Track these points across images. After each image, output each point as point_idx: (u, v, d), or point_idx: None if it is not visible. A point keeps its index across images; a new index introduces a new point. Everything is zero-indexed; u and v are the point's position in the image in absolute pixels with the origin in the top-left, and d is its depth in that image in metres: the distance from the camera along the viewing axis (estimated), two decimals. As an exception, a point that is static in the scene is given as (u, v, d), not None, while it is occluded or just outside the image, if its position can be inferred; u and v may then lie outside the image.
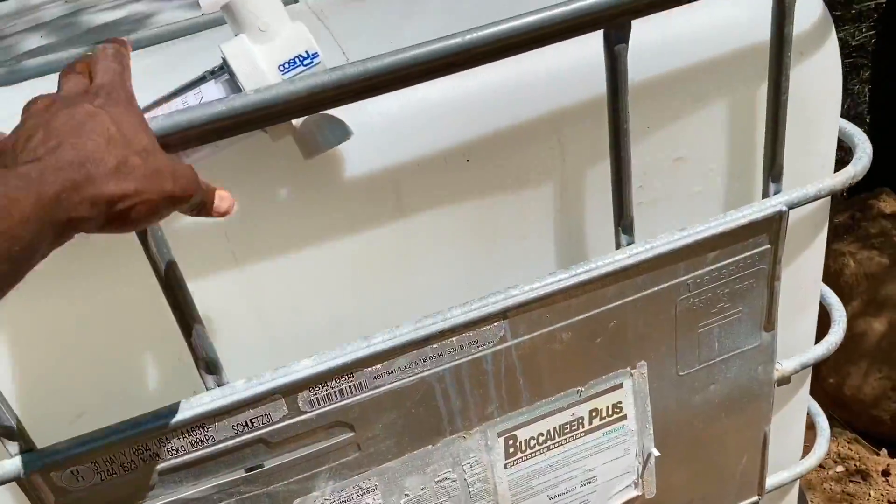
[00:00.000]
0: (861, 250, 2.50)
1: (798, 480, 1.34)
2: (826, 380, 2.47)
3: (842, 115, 1.00)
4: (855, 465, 2.19)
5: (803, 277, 1.07)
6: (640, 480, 1.08)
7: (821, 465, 2.23)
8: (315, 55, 0.69)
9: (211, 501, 0.86)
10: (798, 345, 1.11)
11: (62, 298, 0.77)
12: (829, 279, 2.53)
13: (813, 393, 2.46)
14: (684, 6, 0.76)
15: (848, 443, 2.29)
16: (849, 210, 2.69)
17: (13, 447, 0.76)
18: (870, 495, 2.07)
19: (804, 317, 1.11)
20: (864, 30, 4.62)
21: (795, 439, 1.25)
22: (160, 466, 0.82)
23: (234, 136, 0.69)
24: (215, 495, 0.86)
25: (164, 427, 0.79)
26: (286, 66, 0.68)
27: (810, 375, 1.20)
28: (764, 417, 1.10)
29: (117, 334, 0.81)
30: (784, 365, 1.07)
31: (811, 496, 2.11)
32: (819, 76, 0.92)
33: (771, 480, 1.20)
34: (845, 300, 2.49)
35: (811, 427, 1.35)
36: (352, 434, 0.88)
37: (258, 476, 0.86)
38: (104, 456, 0.79)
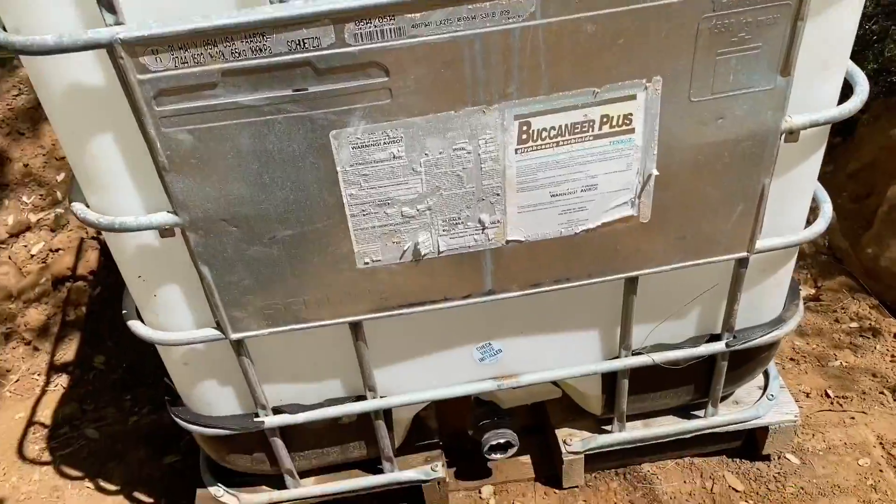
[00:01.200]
0: (933, 125, 2.46)
1: (792, 265, 1.43)
2: (864, 249, 2.50)
3: None
4: (870, 324, 2.25)
5: (831, 38, 1.12)
6: (637, 200, 1.19)
7: (836, 319, 2.31)
8: None
9: (262, 113, 1.01)
10: (817, 108, 1.17)
11: None
12: (886, 152, 2.52)
13: (849, 261, 2.49)
14: None
15: (870, 307, 2.34)
16: (934, 88, 2.63)
17: (109, 18, 0.92)
18: (875, 348, 2.14)
19: (828, 79, 1.16)
20: None
21: (797, 214, 1.33)
22: (223, 66, 0.97)
23: None
24: (266, 107, 1.01)
25: (230, 25, 0.93)
26: None
27: (822, 151, 1.27)
28: (765, 168, 1.19)
29: (202, -55, 0.93)
30: (794, 119, 1.14)
31: (818, 341, 2.19)
32: None
33: (763, 243, 1.30)
34: (904, 173, 2.48)
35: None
36: (386, 78, 1.01)
37: (303, 97, 1.01)
38: (180, 42, 0.94)
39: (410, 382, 1.44)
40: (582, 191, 1.17)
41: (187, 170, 1.05)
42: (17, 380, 2.51)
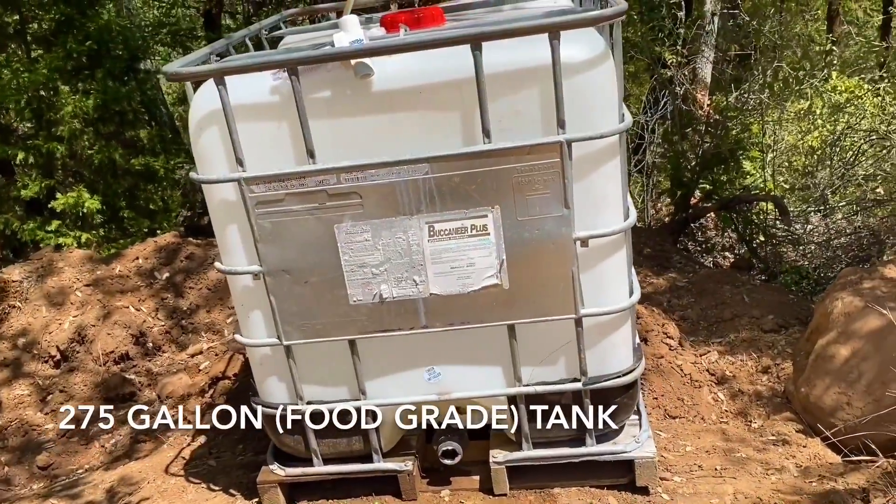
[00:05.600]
0: (850, 296, 3.17)
1: (627, 330, 2.27)
2: (800, 390, 3.15)
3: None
4: (785, 438, 2.87)
5: (596, 191, 2.10)
6: (499, 274, 2.17)
7: (760, 434, 2.94)
8: (360, 41, 1.98)
9: (302, 214, 2.14)
10: (600, 225, 2.13)
11: None
12: (823, 317, 3.22)
13: (794, 402, 3.15)
14: None
15: (795, 430, 2.95)
16: (860, 272, 3.35)
17: (240, 168, 2.12)
18: (778, 451, 2.76)
19: (605, 212, 2.12)
20: None
21: (616, 292, 2.22)
22: (286, 192, 2.13)
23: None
24: (305, 212, 2.14)
25: (289, 173, 2.10)
26: (353, 42, 1.99)
27: (625, 249, 2.19)
28: (570, 260, 2.14)
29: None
30: (579, 233, 2.11)
31: (736, 444, 2.82)
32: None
33: (586, 310, 2.19)
34: (828, 330, 3.19)
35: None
36: (360, 199, 2.12)
37: (322, 208, 2.13)
38: (267, 180, 2.12)
39: (387, 393, 2.38)
40: (467, 266, 2.17)
41: (268, 242, 2.19)
42: (174, 437, 3.64)
